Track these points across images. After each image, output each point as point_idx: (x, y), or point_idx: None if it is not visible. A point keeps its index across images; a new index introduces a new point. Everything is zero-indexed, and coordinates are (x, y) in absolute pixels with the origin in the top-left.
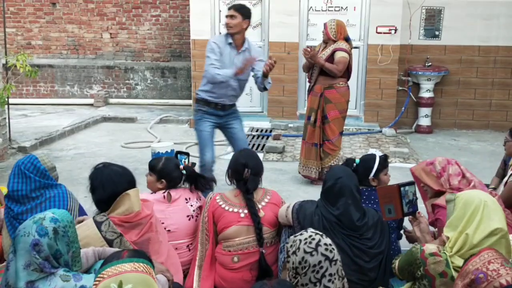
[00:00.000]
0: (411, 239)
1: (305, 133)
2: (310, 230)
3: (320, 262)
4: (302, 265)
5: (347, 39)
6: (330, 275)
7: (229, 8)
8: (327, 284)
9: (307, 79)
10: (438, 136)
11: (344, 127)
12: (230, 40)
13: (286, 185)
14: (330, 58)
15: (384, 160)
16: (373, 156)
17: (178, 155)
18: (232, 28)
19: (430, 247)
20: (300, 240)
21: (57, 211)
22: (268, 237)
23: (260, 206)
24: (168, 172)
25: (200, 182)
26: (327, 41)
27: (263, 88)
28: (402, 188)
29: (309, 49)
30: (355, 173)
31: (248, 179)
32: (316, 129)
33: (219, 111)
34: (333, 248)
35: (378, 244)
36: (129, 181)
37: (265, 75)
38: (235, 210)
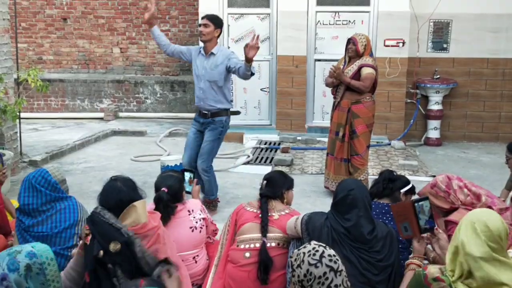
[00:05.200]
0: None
1: (333, 149)
2: (314, 242)
3: (325, 273)
4: (307, 277)
5: (371, 54)
6: (336, 286)
7: (202, 18)
8: None
9: (332, 95)
10: (447, 149)
11: None
12: (202, 52)
13: (295, 198)
14: (357, 74)
15: (413, 187)
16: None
17: (185, 172)
18: (205, 36)
19: (432, 270)
20: (304, 253)
21: (38, 246)
22: (280, 238)
23: (278, 214)
24: (176, 190)
25: (168, 209)
26: (353, 57)
27: (249, 75)
28: (416, 204)
29: (334, 69)
30: (392, 182)
31: (262, 189)
32: (344, 144)
33: (200, 118)
34: (337, 259)
35: (387, 257)
36: (105, 201)
37: (248, 61)
38: (254, 210)
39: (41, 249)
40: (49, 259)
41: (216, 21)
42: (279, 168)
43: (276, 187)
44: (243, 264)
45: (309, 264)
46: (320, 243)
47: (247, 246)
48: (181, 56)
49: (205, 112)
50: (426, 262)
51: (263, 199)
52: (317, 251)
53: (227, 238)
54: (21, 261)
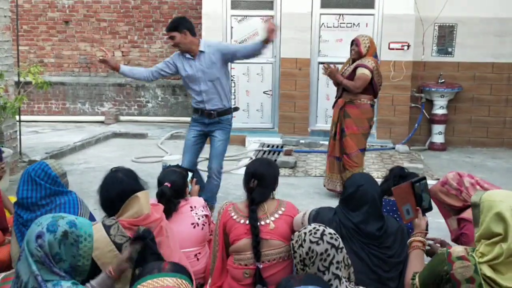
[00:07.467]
0: (430, 253)
1: (328, 146)
2: (314, 223)
3: (326, 250)
4: (310, 255)
5: (375, 56)
6: (338, 262)
7: (166, 32)
8: (336, 272)
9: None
10: (452, 154)
11: None
12: (188, 56)
13: (299, 199)
14: (352, 74)
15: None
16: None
17: None
18: (180, 47)
19: (458, 249)
20: (305, 233)
21: (82, 219)
22: (282, 251)
23: (272, 219)
24: (179, 186)
25: (170, 205)
26: (356, 58)
27: (260, 53)
28: (417, 184)
29: (327, 66)
30: (403, 179)
31: (254, 190)
32: (336, 142)
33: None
34: (337, 237)
35: (398, 253)
36: (107, 192)
37: (267, 42)
38: (247, 222)
39: (83, 222)
40: (87, 234)
41: (177, 27)
42: (283, 170)
43: (269, 187)
44: (245, 284)
45: (311, 242)
46: (320, 224)
47: (245, 265)
48: (163, 73)
49: (211, 112)
50: (429, 242)
51: (253, 206)
52: (317, 230)
53: (217, 249)
54: (61, 226)
